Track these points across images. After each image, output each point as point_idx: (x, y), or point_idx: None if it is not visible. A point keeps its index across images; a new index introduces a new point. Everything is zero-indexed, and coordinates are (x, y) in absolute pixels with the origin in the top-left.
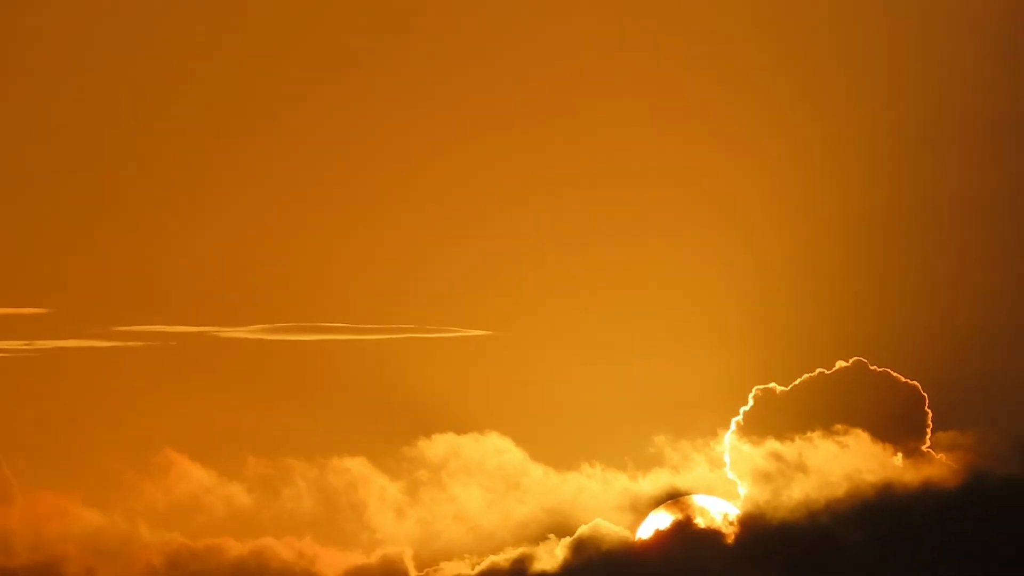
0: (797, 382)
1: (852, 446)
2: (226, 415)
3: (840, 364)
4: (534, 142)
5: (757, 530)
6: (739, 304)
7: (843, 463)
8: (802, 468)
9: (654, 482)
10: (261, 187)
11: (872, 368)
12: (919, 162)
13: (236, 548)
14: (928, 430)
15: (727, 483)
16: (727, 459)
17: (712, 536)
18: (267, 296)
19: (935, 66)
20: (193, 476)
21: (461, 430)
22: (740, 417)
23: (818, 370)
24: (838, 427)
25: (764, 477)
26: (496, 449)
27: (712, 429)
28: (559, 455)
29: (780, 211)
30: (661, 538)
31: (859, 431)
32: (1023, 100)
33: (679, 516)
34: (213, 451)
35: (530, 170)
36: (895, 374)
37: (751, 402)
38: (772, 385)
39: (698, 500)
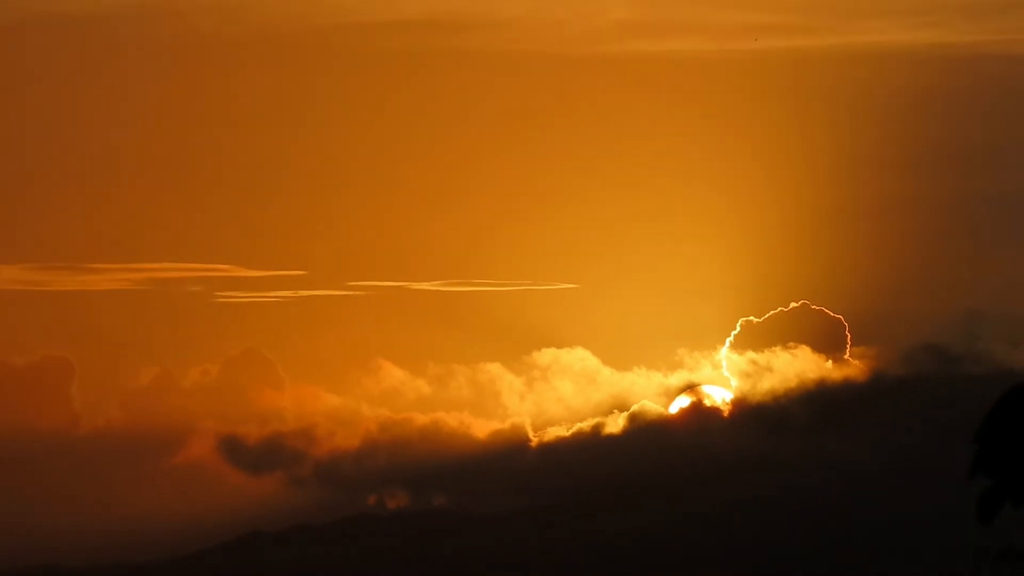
0: (767, 316)
1: (800, 356)
2: (413, 337)
3: (792, 305)
4: (623, 172)
5: (742, 408)
6: (733, 267)
7: (794, 366)
8: (769, 369)
9: (678, 378)
10: (439, 185)
11: (813, 307)
12: (848, 172)
13: (421, 419)
14: (848, 347)
15: (724, 379)
16: (724, 363)
17: (715, 411)
18: (442, 260)
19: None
20: (394, 374)
21: (559, 345)
22: (731, 337)
23: (779, 308)
24: (791, 344)
25: (746, 375)
26: (580, 358)
27: (714, 345)
28: (619, 361)
29: (757, 208)
30: (683, 412)
31: (804, 346)
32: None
33: (694, 399)
34: (407, 359)
35: (606, 185)
36: (828, 311)
37: (738, 328)
38: (751, 317)
39: (706, 389)
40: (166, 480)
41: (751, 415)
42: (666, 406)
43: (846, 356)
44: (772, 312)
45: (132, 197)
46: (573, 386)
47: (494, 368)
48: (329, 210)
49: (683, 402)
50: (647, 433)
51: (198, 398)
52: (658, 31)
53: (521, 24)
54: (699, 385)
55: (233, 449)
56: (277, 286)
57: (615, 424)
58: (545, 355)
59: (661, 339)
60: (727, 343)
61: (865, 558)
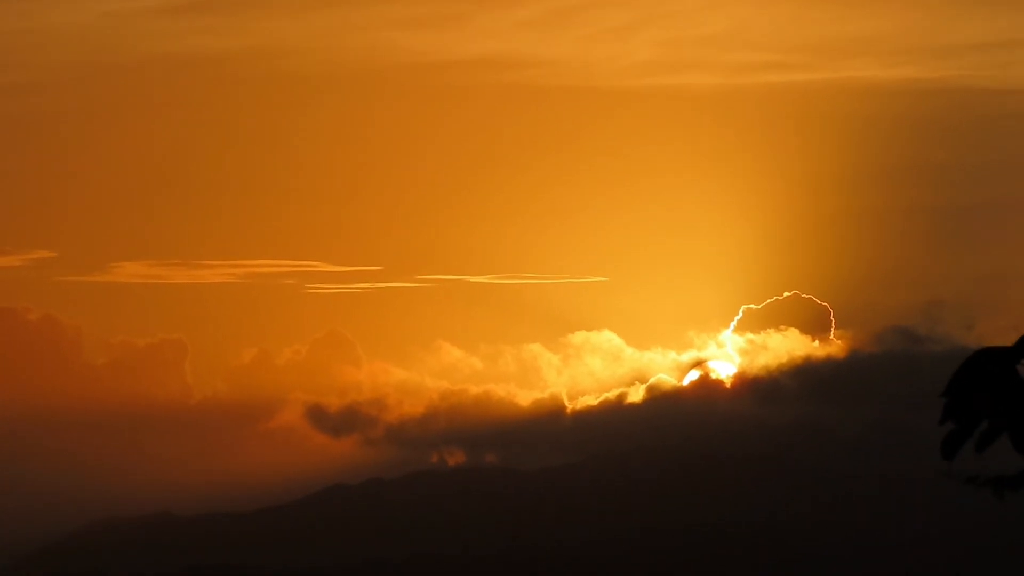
0: (765, 303)
1: (791, 337)
2: (469, 322)
3: (786, 294)
4: (646, 185)
5: (744, 380)
6: (735, 263)
7: (786, 346)
8: (765, 348)
9: (689, 355)
10: (493, 199)
11: (803, 296)
12: (835, 185)
13: (474, 389)
14: (832, 329)
15: (728, 355)
16: (728, 343)
17: (719, 383)
18: (495, 258)
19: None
20: (452, 353)
21: (589, 329)
22: (735, 322)
23: (775, 297)
24: (783, 327)
25: (746, 352)
26: (607, 339)
27: (719, 328)
28: (640, 342)
29: (758, 215)
30: (693, 384)
31: (794, 329)
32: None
33: (703, 372)
34: (463, 340)
35: (632, 196)
36: (816, 299)
37: (740, 313)
38: (751, 305)
39: (712, 364)
40: (262, 442)
41: (749, 387)
42: (679, 379)
43: (831, 337)
44: (769, 300)
45: (237, 205)
46: (601, 362)
47: (535, 348)
48: (401, 216)
49: (693, 376)
50: (663, 402)
51: (289, 373)
52: (676, 68)
53: (561, 63)
54: (706, 361)
55: (318, 416)
56: (358, 279)
57: (636, 394)
58: (578, 337)
59: (675, 323)
60: (731, 326)
61: (846, 503)
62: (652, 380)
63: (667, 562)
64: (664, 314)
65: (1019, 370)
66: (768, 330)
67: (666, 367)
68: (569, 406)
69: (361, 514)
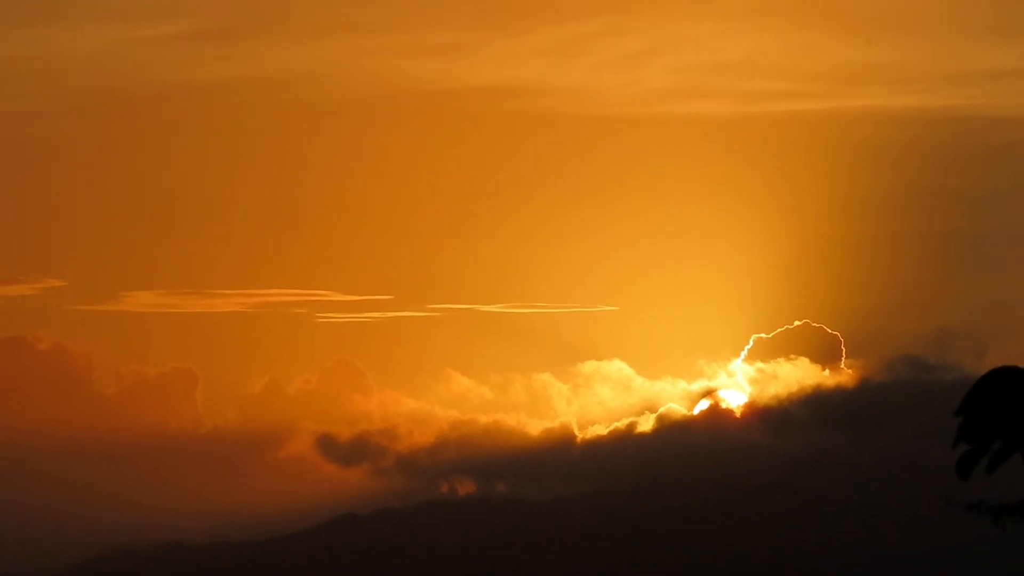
0: (775, 332)
1: (801, 366)
2: (479, 351)
3: (796, 323)
4: (657, 213)
5: (754, 409)
6: (745, 293)
7: (796, 375)
8: (775, 377)
9: (699, 385)
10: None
11: (813, 325)
12: (845, 213)
13: (484, 419)
14: (843, 358)
15: (738, 384)
16: (738, 372)
17: (729, 413)
18: (505, 287)
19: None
20: (462, 382)
21: (599, 358)
22: (745, 351)
23: (785, 327)
24: (792, 356)
25: (756, 382)
26: (617, 368)
27: (729, 357)
28: (650, 371)
29: (768, 244)
30: (703, 414)
31: (804, 358)
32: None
33: (713, 402)
34: (473, 369)
35: (643, 224)
36: (827, 328)
37: (751, 343)
38: (762, 335)
39: (722, 393)
40: (272, 471)
41: (760, 416)
42: (689, 408)
43: (841, 366)
44: (779, 329)
45: (249, 234)
46: (611, 392)
47: (545, 377)
48: (412, 246)
49: (703, 405)
50: (673, 431)
51: (300, 403)
52: (688, 97)
53: (574, 91)
54: (716, 391)
55: (328, 445)
56: (368, 308)
57: (646, 424)
58: (588, 366)
59: (685, 352)
60: (741, 355)
61: (857, 531)
62: (662, 410)
63: None
64: (674, 343)
65: None
66: (778, 359)
67: (676, 396)
68: (579, 435)
69: (374, 542)
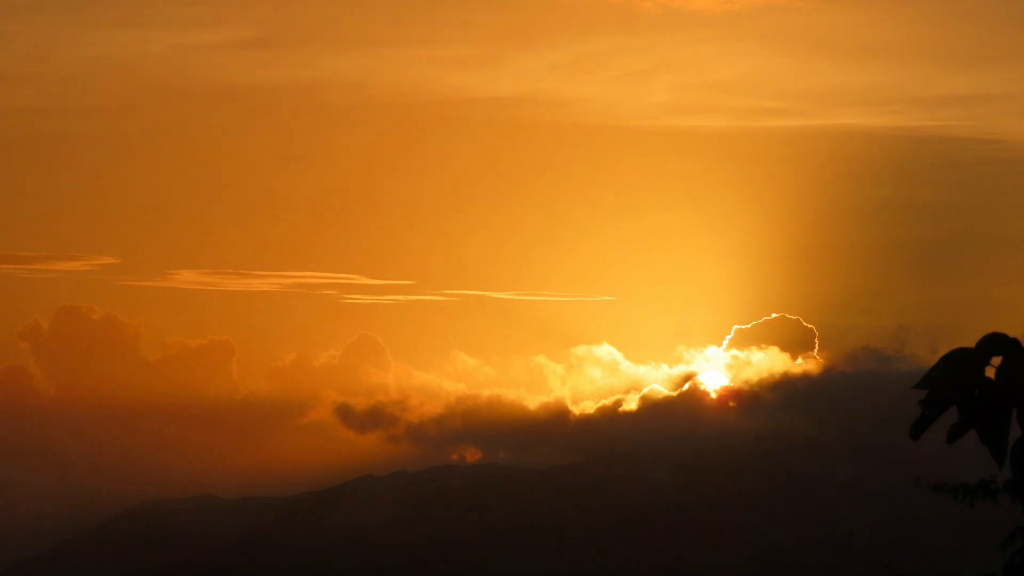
0: (753, 323)
1: (774, 355)
2: (486, 333)
3: (773, 315)
4: (654, 216)
5: (731, 392)
6: (726, 288)
7: (770, 362)
8: (749, 364)
9: (680, 369)
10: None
11: (788, 317)
12: (822, 220)
13: (486, 394)
14: (816, 347)
15: (719, 370)
16: (716, 358)
17: (707, 395)
18: (514, 276)
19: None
20: (468, 362)
21: (589, 343)
22: (726, 340)
23: (763, 318)
24: (764, 345)
25: (732, 367)
26: (607, 352)
27: (709, 345)
28: (638, 356)
29: (751, 244)
30: (683, 395)
31: (777, 348)
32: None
33: (692, 384)
34: (480, 349)
35: (641, 225)
36: (803, 321)
37: (732, 333)
38: (741, 325)
39: (701, 377)
40: (296, 435)
41: (737, 396)
42: (671, 390)
43: (812, 355)
44: (757, 321)
45: (286, 222)
46: (601, 373)
47: (540, 359)
48: (432, 238)
49: (686, 387)
50: (655, 409)
51: (325, 374)
52: (688, 111)
53: (587, 102)
54: (696, 375)
55: (346, 413)
56: (391, 292)
57: (632, 402)
58: (580, 350)
59: (669, 339)
60: (723, 344)
61: (820, 502)
62: (646, 390)
63: (662, 546)
64: (659, 332)
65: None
66: (752, 348)
67: (659, 379)
68: (572, 411)
69: (389, 502)
